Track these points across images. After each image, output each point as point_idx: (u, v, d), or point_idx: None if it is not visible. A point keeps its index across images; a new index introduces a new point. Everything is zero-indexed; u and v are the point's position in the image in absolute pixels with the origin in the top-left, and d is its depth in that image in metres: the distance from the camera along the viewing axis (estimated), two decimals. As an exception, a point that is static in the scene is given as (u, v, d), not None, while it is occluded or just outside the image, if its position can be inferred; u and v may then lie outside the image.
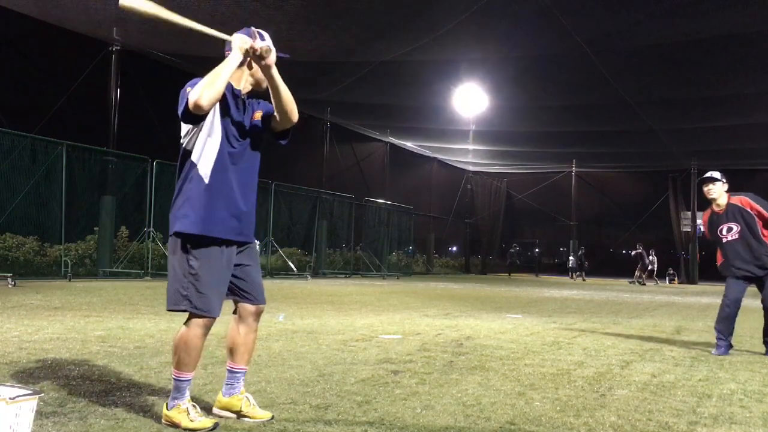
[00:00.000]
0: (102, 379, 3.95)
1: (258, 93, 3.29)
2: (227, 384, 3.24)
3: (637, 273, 27.56)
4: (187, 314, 3.03)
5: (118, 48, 17.05)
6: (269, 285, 15.50)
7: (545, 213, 36.30)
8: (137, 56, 17.86)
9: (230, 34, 3.10)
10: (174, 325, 6.69)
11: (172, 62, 18.27)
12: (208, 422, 3.01)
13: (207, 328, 3.06)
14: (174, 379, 3.04)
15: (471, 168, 35.84)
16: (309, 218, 23.77)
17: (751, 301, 15.90)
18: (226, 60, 3.02)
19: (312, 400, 3.57)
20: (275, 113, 3.15)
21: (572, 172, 34.39)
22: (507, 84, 20.14)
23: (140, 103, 17.95)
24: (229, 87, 3.13)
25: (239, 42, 3.01)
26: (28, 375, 3.99)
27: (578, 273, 30.42)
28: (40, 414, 2.95)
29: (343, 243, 26.06)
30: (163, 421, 3.03)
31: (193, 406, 3.04)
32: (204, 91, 2.88)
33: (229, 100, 3.11)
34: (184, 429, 2.95)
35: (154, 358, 4.74)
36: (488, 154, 30.97)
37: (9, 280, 11.60)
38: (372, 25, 15.71)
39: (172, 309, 3.03)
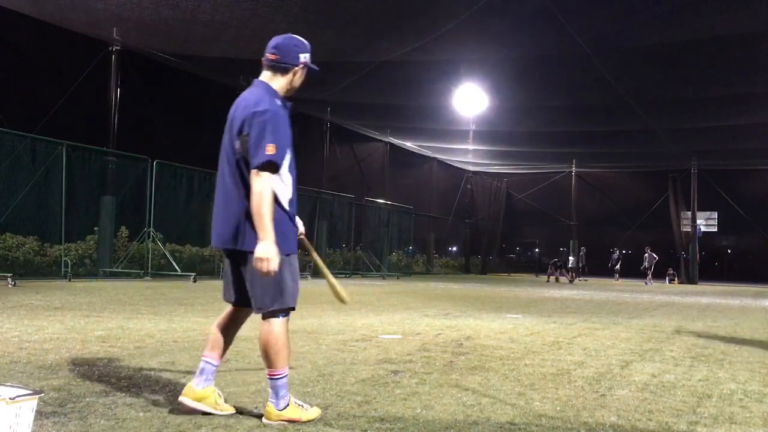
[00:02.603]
0: (102, 379, 3.95)
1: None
2: (205, 377, 3.27)
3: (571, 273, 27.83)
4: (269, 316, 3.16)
5: (118, 48, 17.04)
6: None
7: (545, 213, 36.30)
8: (137, 56, 17.85)
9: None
10: (174, 326, 6.68)
11: (172, 62, 18.27)
12: (316, 410, 3.24)
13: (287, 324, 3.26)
14: (276, 379, 3.12)
15: (471, 168, 35.83)
16: (309, 218, 23.76)
17: (752, 300, 15.95)
18: (267, 232, 2.99)
19: (312, 400, 3.56)
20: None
21: (572, 172, 34.38)
22: (507, 84, 20.13)
23: (140, 103, 17.95)
24: (282, 102, 3.21)
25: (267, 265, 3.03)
26: (28, 375, 3.99)
27: (616, 275, 30.22)
28: (40, 414, 2.95)
29: (343, 243, 26.06)
30: (271, 421, 3.07)
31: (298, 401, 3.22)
32: (260, 189, 2.98)
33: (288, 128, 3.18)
34: (306, 421, 3.11)
35: (154, 358, 4.74)
36: (488, 154, 30.96)
37: (9, 280, 11.60)
38: (372, 25, 15.70)
39: (287, 308, 3.19)
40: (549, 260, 30.73)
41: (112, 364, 4.45)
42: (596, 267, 31.59)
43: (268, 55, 3.22)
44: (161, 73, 19.36)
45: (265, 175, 2.98)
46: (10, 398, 2.46)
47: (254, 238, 3.03)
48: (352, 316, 8.47)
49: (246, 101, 3.16)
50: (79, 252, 15.83)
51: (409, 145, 30.48)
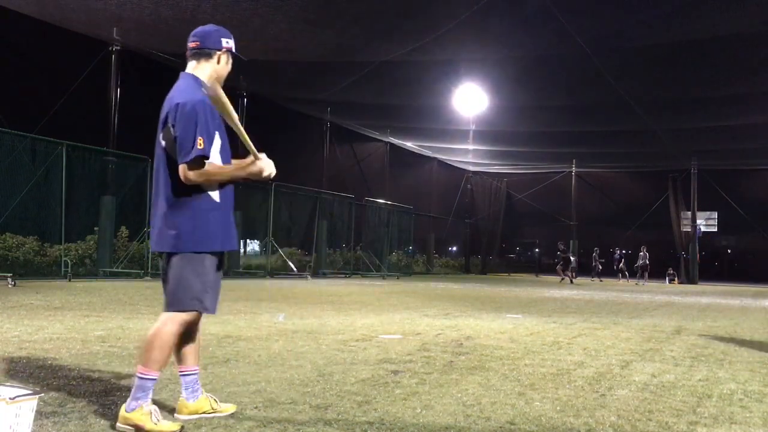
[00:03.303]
0: (102, 379, 3.95)
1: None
2: (191, 388, 3.17)
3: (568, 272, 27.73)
4: (166, 312, 3.03)
5: (118, 48, 17.05)
6: (270, 285, 15.50)
7: (545, 213, 36.30)
8: (137, 56, 17.86)
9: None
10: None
11: (172, 62, 18.26)
12: (174, 425, 2.92)
13: (188, 326, 3.07)
14: (140, 377, 2.94)
15: (471, 168, 35.84)
16: (309, 218, 23.77)
17: (752, 301, 15.95)
18: (244, 170, 3.05)
19: (312, 400, 3.56)
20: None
21: (572, 172, 34.39)
22: (507, 84, 20.14)
23: (140, 103, 17.93)
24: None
25: (269, 169, 3.07)
26: (28, 375, 3.99)
27: (622, 275, 30.16)
28: (40, 414, 2.95)
29: (343, 243, 26.06)
30: (119, 424, 2.89)
31: (156, 409, 2.94)
32: (203, 179, 2.94)
33: (217, 115, 3.05)
34: None
35: (154, 358, 4.73)
36: (488, 154, 30.97)
37: (9, 280, 11.60)
38: (372, 25, 15.71)
39: (183, 309, 3.01)
40: (548, 260, 30.70)
41: (112, 364, 4.45)
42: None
43: (190, 44, 3.12)
44: (161, 73, 19.33)
45: (201, 168, 2.93)
46: (10, 398, 2.46)
47: (169, 240, 2.98)
48: (352, 316, 8.47)
49: (171, 94, 3.08)
50: (79, 252, 15.84)
51: (409, 145, 30.50)
